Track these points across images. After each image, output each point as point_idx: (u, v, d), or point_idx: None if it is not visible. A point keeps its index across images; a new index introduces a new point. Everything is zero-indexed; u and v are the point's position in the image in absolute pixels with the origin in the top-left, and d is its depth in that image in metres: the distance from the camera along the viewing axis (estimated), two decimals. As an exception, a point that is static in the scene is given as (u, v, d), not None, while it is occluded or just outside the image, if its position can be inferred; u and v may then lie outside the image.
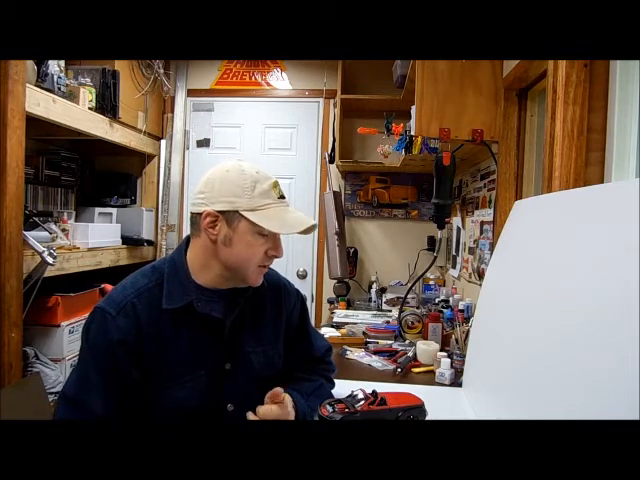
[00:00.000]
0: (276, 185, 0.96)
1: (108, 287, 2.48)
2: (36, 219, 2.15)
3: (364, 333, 1.95)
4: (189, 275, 0.96)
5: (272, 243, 0.96)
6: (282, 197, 0.96)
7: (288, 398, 0.99)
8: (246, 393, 0.99)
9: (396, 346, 1.73)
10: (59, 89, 2.11)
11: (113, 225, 2.74)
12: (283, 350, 1.09)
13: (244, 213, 0.91)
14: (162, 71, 3.00)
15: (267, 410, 0.95)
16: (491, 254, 1.73)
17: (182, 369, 0.93)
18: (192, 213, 0.96)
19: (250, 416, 0.94)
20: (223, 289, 0.99)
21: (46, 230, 2.15)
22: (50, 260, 1.91)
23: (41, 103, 1.96)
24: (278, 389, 0.98)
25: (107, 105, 2.47)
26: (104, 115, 2.45)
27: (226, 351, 0.98)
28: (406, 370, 1.51)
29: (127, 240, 2.76)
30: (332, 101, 3.04)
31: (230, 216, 0.92)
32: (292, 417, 0.97)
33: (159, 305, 0.93)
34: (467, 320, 1.76)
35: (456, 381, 1.39)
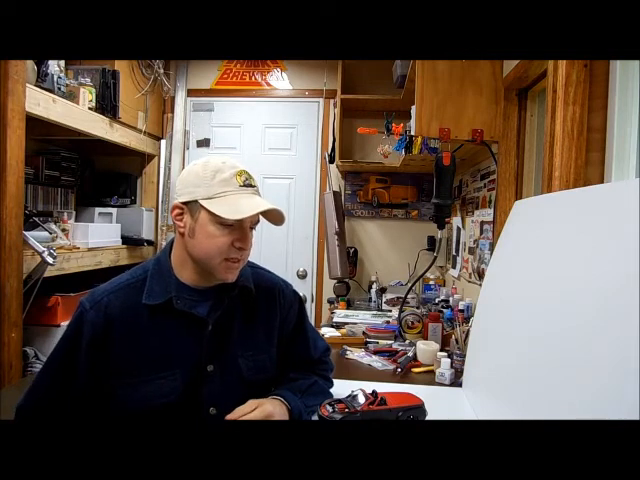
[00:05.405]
0: (242, 174, 0.93)
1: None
2: (36, 219, 2.15)
3: (364, 333, 1.95)
4: (172, 273, 0.97)
5: (238, 234, 0.93)
6: (249, 186, 0.93)
7: (263, 401, 0.96)
8: (233, 398, 0.95)
9: (396, 346, 1.73)
10: (59, 89, 2.11)
11: (113, 225, 2.74)
12: (277, 353, 1.07)
13: (201, 202, 0.91)
14: (162, 71, 3.00)
15: (241, 409, 0.92)
16: (491, 254, 1.73)
17: (154, 365, 0.92)
18: None
19: (229, 417, 0.91)
20: (207, 287, 0.98)
21: (46, 230, 2.15)
22: (50, 260, 1.91)
23: (41, 103, 1.96)
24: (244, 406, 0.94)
25: (107, 105, 2.47)
26: (104, 115, 2.46)
27: (209, 352, 0.96)
28: (406, 370, 1.51)
29: (127, 240, 2.77)
30: (332, 101, 3.03)
31: (192, 207, 0.93)
32: (280, 416, 0.94)
33: (137, 301, 0.93)
34: (467, 320, 1.76)
35: (456, 381, 1.39)
